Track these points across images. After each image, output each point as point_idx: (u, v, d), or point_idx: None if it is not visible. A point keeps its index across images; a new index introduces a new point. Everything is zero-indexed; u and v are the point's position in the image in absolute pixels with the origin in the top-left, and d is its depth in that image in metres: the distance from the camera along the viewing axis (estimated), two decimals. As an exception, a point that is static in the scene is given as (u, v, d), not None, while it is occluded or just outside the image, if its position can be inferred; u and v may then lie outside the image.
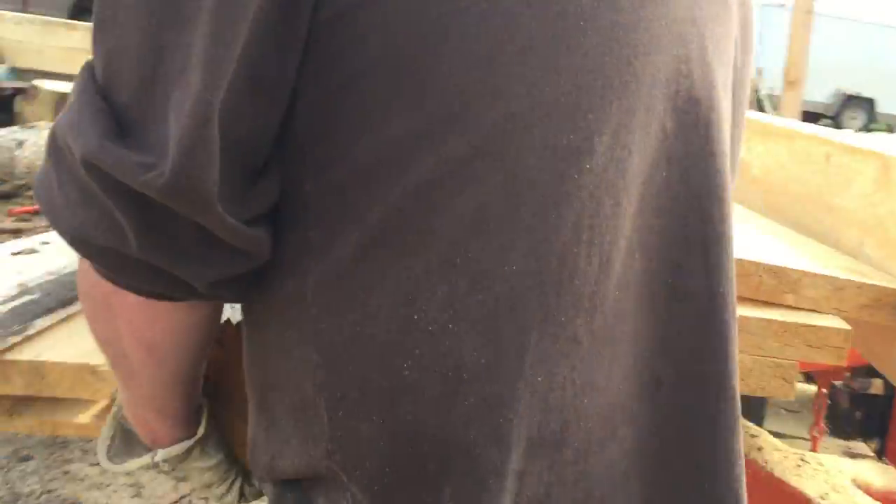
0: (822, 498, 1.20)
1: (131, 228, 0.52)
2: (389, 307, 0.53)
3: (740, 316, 1.10)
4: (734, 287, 0.59)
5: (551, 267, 0.52)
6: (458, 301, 0.52)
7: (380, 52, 0.49)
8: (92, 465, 2.49)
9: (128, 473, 2.18)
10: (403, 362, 0.53)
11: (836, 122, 13.90)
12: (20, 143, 4.31)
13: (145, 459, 0.76)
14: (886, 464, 2.17)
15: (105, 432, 0.80)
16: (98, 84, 0.53)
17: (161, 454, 0.74)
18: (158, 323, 0.61)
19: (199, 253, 0.54)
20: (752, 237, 1.41)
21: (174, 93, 0.49)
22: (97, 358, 0.96)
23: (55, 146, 0.54)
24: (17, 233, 3.41)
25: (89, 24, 0.57)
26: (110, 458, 0.79)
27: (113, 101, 0.52)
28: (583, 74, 0.50)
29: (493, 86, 0.48)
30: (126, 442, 0.79)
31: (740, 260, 1.16)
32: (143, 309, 0.59)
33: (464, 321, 0.52)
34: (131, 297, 0.58)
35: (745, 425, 1.43)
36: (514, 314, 0.52)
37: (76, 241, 0.55)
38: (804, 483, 1.23)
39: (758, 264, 1.16)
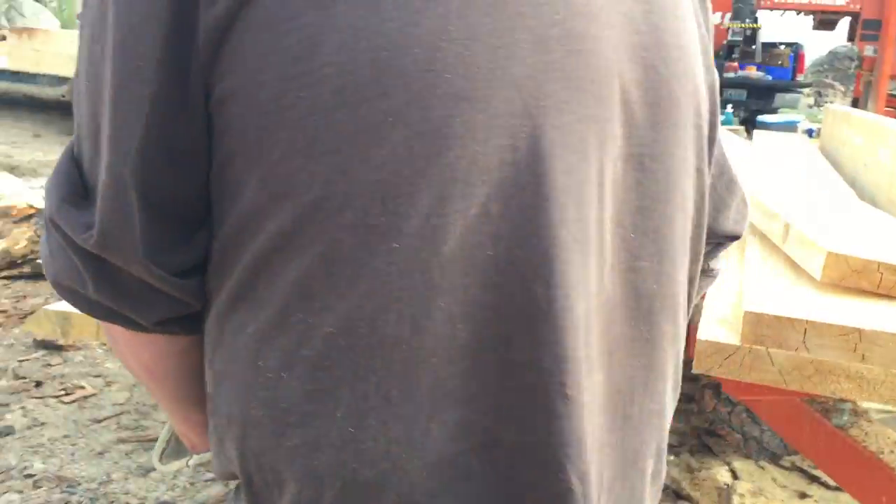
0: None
1: (87, 275, 0.62)
2: (246, 353, 0.60)
3: (871, 330, 1.16)
4: (568, 362, 0.59)
5: (361, 332, 0.56)
6: (290, 354, 0.58)
7: (239, 138, 0.57)
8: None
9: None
10: (251, 401, 0.60)
11: None
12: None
13: (182, 462, 0.86)
14: None
15: (162, 436, 0.90)
16: (74, 153, 0.63)
17: (195, 458, 0.82)
18: (145, 350, 0.70)
19: (141, 297, 0.63)
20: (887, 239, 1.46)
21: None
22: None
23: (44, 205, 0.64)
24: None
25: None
26: (161, 460, 0.89)
27: (81, 168, 0.63)
28: (391, 165, 0.54)
29: (311, 171, 0.55)
30: (177, 445, 0.88)
31: (862, 258, 1.25)
32: (128, 338, 0.68)
33: (292, 371, 0.58)
34: (117, 328, 0.66)
35: (885, 435, 1.47)
36: (329, 371, 0.57)
37: (54, 284, 0.65)
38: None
39: (878, 262, 1.24)
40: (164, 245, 0.60)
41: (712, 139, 0.75)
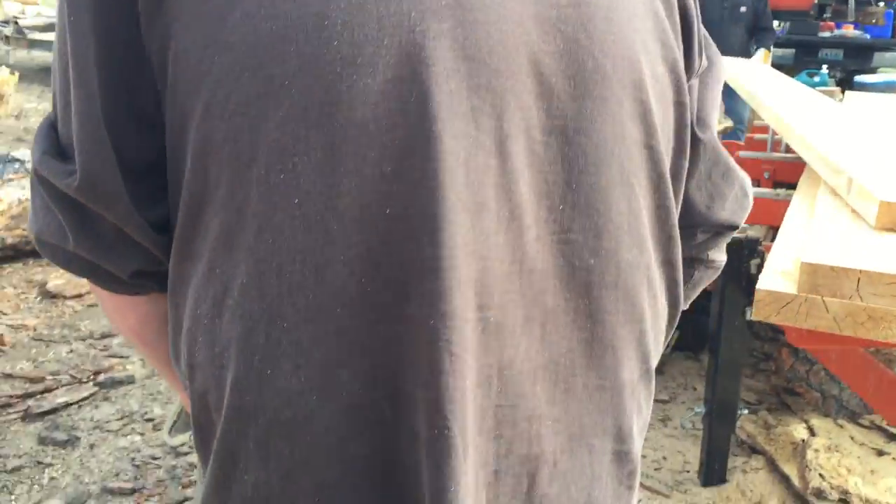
0: None
1: (69, 228, 0.66)
2: (189, 303, 0.65)
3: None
4: (455, 319, 0.60)
5: (270, 281, 0.60)
6: (218, 302, 0.63)
7: (175, 101, 0.62)
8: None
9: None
10: (194, 345, 0.65)
11: None
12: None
13: (186, 436, 0.91)
14: None
15: (174, 409, 0.95)
16: (51, 118, 0.69)
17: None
18: (132, 312, 0.75)
19: (118, 248, 0.67)
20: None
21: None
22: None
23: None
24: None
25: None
26: (170, 433, 0.94)
27: (58, 129, 0.68)
28: (288, 125, 0.58)
29: (225, 130, 0.59)
30: (187, 418, 0.91)
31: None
32: (114, 301, 0.73)
33: (221, 318, 0.63)
34: (103, 291, 0.72)
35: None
36: (245, 318, 0.61)
37: (37, 242, 0.70)
38: None
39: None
40: (142, 196, 0.65)
41: (682, 121, 0.74)
